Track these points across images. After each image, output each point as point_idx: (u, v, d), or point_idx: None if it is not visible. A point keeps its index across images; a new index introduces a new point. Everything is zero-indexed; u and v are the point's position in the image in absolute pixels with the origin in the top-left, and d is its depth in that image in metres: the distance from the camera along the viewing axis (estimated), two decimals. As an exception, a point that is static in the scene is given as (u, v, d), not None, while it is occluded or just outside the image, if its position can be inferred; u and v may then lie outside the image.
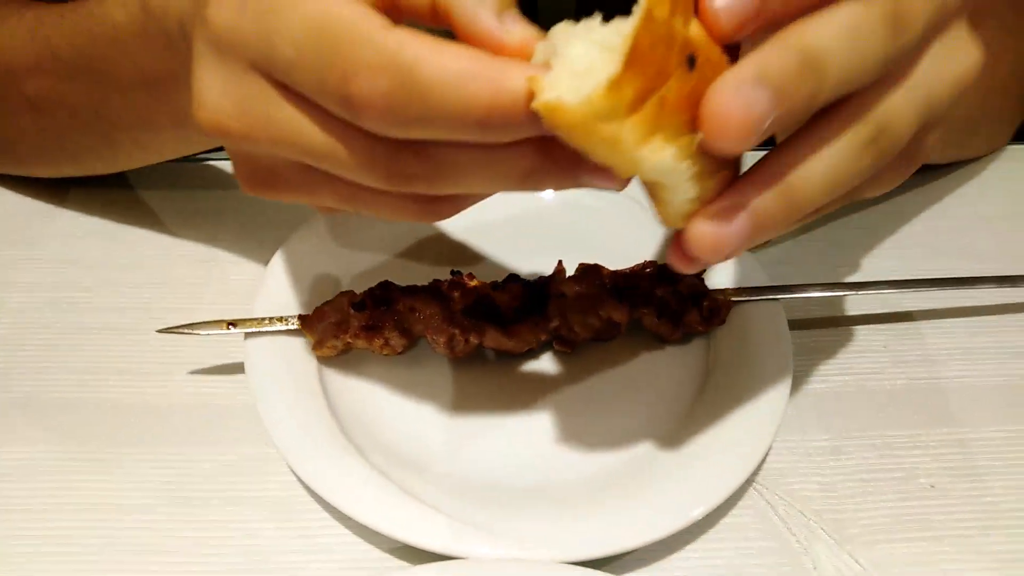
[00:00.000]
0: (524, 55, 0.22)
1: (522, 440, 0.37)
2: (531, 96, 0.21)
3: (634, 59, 0.20)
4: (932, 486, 0.36)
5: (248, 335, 0.38)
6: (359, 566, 0.33)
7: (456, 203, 0.27)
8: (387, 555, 0.34)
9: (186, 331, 0.38)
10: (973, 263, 0.45)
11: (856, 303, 0.43)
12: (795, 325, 0.41)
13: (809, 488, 0.36)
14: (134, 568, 0.33)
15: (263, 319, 0.38)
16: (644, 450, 0.37)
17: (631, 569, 0.33)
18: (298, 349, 0.38)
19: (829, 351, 0.42)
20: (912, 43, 0.23)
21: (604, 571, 0.31)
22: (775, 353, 0.38)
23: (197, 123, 0.26)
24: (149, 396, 0.39)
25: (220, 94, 0.25)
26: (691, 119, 0.21)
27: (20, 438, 0.37)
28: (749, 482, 0.36)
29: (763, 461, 0.36)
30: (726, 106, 0.21)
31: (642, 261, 0.41)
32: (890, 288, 0.42)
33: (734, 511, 0.35)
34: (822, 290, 0.41)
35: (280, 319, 0.38)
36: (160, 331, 0.38)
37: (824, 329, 0.42)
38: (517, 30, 0.23)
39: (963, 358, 0.41)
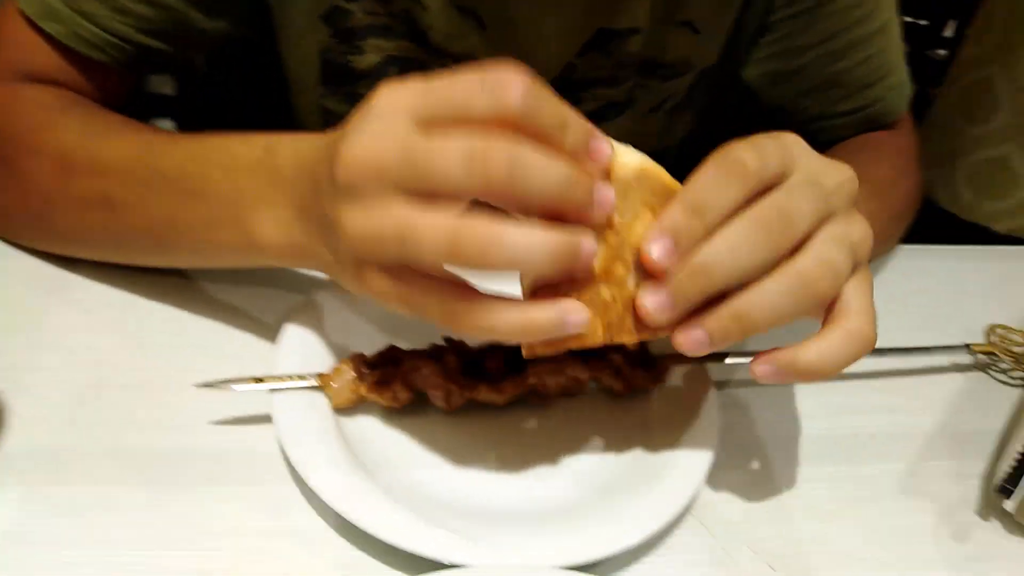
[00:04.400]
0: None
1: (507, 473, 0.45)
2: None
3: None
4: (832, 512, 0.46)
5: (273, 390, 0.45)
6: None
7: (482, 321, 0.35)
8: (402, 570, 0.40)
9: (220, 386, 0.44)
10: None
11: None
12: (720, 385, 0.51)
13: (734, 512, 0.45)
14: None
15: (286, 376, 0.45)
16: (604, 480, 0.45)
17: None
18: (317, 401, 0.45)
19: (746, 406, 0.52)
20: (798, 236, 0.37)
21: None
22: (705, 405, 0.48)
23: (341, 162, 0.33)
24: (179, 444, 0.45)
25: (372, 141, 0.33)
26: None
27: (79, 479, 0.43)
28: (688, 509, 0.44)
29: (698, 492, 0.45)
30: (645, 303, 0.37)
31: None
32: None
33: (678, 531, 0.44)
34: (740, 357, 0.51)
35: (300, 376, 0.45)
36: (198, 386, 0.44)
37: (744, 388, 0.53)
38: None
39: (853, 412, 0.52)
